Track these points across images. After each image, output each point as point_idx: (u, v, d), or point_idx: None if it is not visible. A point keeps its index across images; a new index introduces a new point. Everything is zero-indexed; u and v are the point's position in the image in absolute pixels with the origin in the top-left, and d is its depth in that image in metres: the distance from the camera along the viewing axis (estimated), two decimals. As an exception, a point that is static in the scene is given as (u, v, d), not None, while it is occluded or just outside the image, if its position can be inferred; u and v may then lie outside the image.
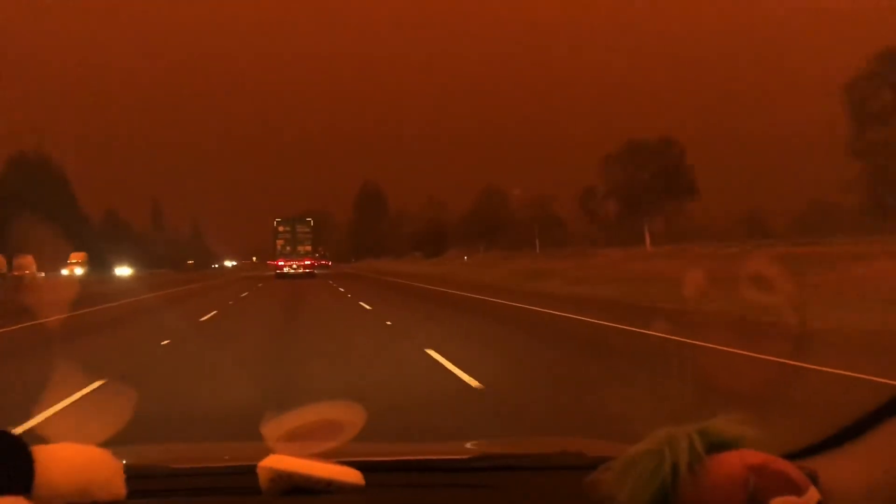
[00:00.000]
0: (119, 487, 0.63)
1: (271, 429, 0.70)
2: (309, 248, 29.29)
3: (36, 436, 0.53)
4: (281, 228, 29.94)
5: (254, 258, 74.19)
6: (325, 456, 0.71)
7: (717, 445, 0.62)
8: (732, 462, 0.58)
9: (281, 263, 28.56)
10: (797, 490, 0.55)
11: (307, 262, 28.56)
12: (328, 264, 37.90)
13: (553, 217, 37.99)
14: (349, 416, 0.72)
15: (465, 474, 0.79)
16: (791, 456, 0.66)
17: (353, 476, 0.69)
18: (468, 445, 0.89)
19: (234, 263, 74.68)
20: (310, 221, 30.90)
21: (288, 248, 29.22)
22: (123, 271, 30.33)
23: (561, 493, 0.71)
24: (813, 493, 0.55)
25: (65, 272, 27.05)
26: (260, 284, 14.46)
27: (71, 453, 0.60)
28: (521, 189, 39.37)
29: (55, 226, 23.20)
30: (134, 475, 0.67)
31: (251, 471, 0.68)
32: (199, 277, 22.97)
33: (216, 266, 52.98)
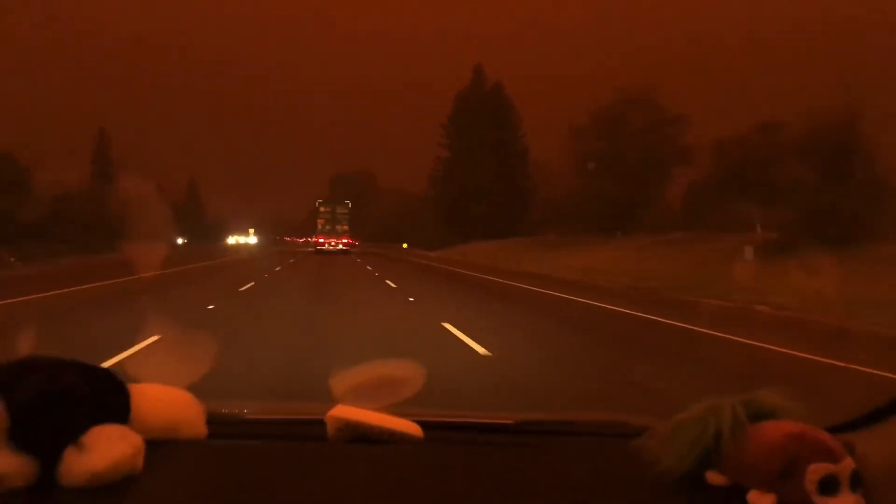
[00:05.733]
0: (201, 427, 1.02)
1: (338, 383, 1.08)
2: (346, 227, 43.90)
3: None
4: (322, 209, 44.74)
5: (251, 230, 75.88)
6: (387, 411, 1.09)
7: (760, 415, 0.89)
8: (773, 430, 0.85)
9: (321, 241, 43.63)
10: (833, 458, 0.80)
11: (344, 241, 43.32)
12: (356, 243, 48.72)
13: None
14: (410, 374, 1.12)
15: (516, 436, 1.19)
16: (831, 429, 0.94)
17: (413, 429, 1.08)
18: (518, 414, 1.32)
19: (252, 240, 73.23)
20: (348, 203, 45.64)
21: (328, 227, 43.54)
22: None
23: (607, 457, 1.08)
24: (848, 462, 0.80)
25: None
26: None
27: (161, 393, 1.00)
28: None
29: None
30: (212, 420, 1.05)
31: (319, 421, 1.07)
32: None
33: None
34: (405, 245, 61.56)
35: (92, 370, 0.93)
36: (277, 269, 24.16)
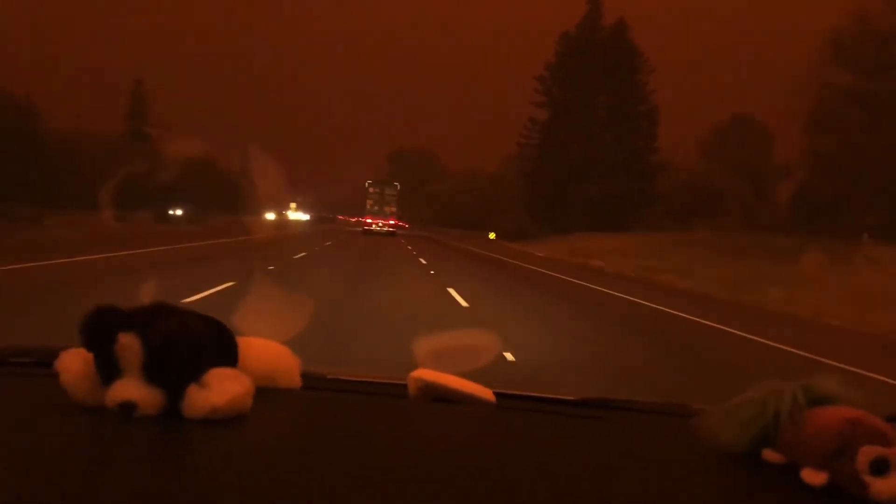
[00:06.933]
0: (297, 378, 1.43)
1: (420, 347, 1.55)
2: (394, 209, 54.07)
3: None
4: (371, 190, 55.10)
5: (293, 205, 77.22)
6: (463, 377, 1.46)
7: (818, 400, 1.12)
8: (830, 414, 1.08)
9: (369, 221, 53.35)
10: (886, 442, 1.01)
11: (391, 222, 53.26)
12: (405, 226, 57.87)
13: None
14: (486, 344, 1.60)
15: (580, 408, 1.55)
16: (888, 418, 1.16)
17: (486, 394, 1.47)
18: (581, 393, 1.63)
19: (303, 216, 78.37)
20: (397, 185, 55.40)
21: (376, 207, 54.08)
22: None
23: (667, 432, 1.40)
24: None
25: None
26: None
27: (262, 344, 1.40)
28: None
29: None
30: (304, 375, 1.46)
31: (401, 384, 1.50)
32: None
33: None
34: (492, 235, 55.46)
35: (209, 320, 1.23)
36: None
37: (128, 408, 1.11)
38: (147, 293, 1.42)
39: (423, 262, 23.86)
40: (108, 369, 1.13)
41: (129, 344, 1.11)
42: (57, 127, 46.61)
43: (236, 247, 23.43)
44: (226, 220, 49.93)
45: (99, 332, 1.13)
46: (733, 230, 32.57)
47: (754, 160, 37.60)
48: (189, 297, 9.44)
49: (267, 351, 1.40)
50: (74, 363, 1.18)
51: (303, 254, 21.43)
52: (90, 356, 1.16)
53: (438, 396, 1.43)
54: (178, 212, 51.44)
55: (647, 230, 38.09)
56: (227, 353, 1.25)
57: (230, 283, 10.56)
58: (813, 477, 1.07)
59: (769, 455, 1.16)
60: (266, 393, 1.29)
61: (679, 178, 44.67)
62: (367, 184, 58.70)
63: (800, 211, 31.83)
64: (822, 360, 10.82)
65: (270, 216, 70.10)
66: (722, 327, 12.91)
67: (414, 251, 30.72)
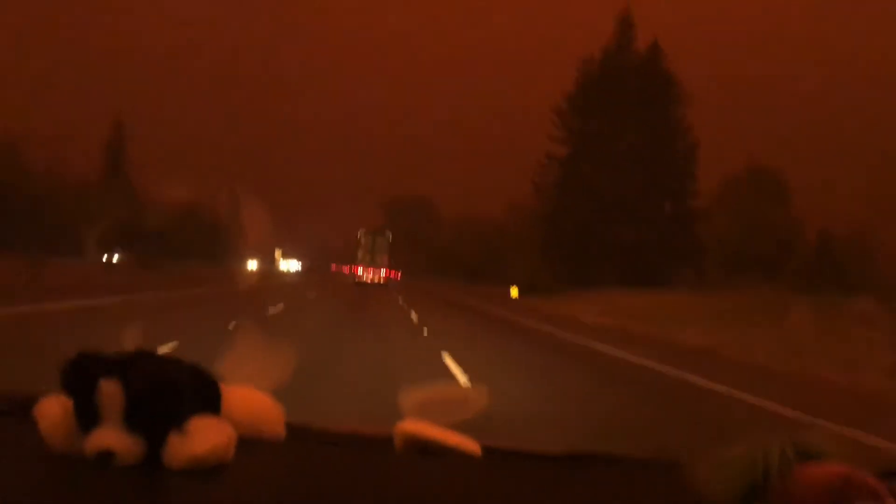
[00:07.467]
0: (281, 429, 1.56)
1: (407, 399, 1.72)
2: (386, 258, 59.74)
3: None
4: (363, 239, 60.56)
5: (278, 252, 79.66)
6: (449, 428, 1.56)
7: (808, 455, 1.25)
8: (821, 470, 1.19)
9: (360, 272, 59.43)
10: (878, 500, 1.12)
11: (382, 273, 59.42)
12: (397, 277, 59.24)
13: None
14: (472, 396, 1.81)
15: (565, 461, 1.72)
16: (879, 475, 1.26)
17: (473, 446, 1.61)
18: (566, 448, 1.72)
19: (293, 265, 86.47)
20: (389, 235, 61.05)
21: (367, 257, 60.26)
22: None
23: (653, 485, 1.58)
24: None
25: None
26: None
27: (246, 394, 1.52)
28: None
29: None
30: (288, 426, 1.59)
31: (387, 437, 1.63)
32: None
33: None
34: (515, 292, 49.22)
35: (191, 367, 1.30)
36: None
37: (106, 457, 1.18)
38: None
39: (450, 362, 12.63)
40: (88, 416, 1.21)
41: (111, 390, 1.19)
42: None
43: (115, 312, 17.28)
44: (189, 270, 48.83)
45: (81, 377, 1.22)
46: (803, 289, 30.50)
47: (774, 212, 37.61)
48: None
49: (251, 400, 1.50)
50: (53, 410, 1.25)
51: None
52: (70, 403, 1.23)
53: (425, 449, 1.55)
54: (115, 257, 48.15)
55: (684, 286, 36.97)
56: (209, 401, 1.34)
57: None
58: None
59: None
60: (249, 443, 1.38)
61: (723, 227, 42.92)
62: (358, 233, 63.78)
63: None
64: None
65: (253, 265, 71.30)
66: None
67: (423, 325, 21.19)
